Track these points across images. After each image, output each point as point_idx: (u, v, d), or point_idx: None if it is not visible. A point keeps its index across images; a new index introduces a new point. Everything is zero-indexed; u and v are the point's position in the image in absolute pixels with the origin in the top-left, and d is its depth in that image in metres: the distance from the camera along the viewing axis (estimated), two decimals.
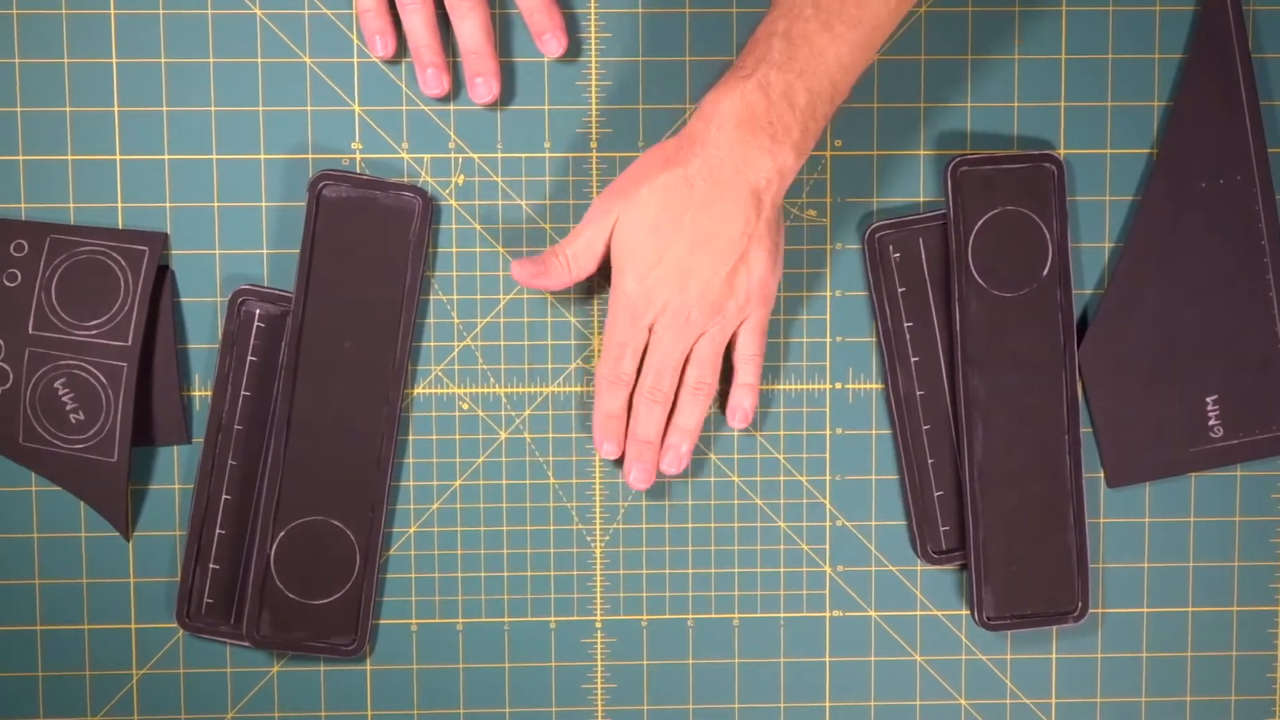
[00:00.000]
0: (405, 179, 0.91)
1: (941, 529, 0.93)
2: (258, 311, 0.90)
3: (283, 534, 0.90)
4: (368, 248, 0.90)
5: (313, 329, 0.90)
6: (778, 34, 0.82)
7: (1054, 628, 0.93)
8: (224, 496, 0.91)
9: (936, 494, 0.92)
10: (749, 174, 0.83)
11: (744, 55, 0.84)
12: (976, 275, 0.89)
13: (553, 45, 0.90)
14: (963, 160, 0.90)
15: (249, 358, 0.91)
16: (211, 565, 0.91)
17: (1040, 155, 0.90)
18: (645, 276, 0.85)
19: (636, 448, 0.89)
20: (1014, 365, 0.90)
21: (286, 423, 0.90)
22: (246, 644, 0.91)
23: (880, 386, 0.94)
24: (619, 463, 0.91)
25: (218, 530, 0.91)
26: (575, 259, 0.87)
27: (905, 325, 0.92)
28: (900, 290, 0.92)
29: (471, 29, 0.88)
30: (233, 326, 0.90)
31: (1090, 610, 0.92)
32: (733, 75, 0.83)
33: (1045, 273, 0.90)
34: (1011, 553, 0.91)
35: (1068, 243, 0.91)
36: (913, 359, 0.92)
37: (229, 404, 0.91)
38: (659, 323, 0.86)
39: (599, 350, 0.93)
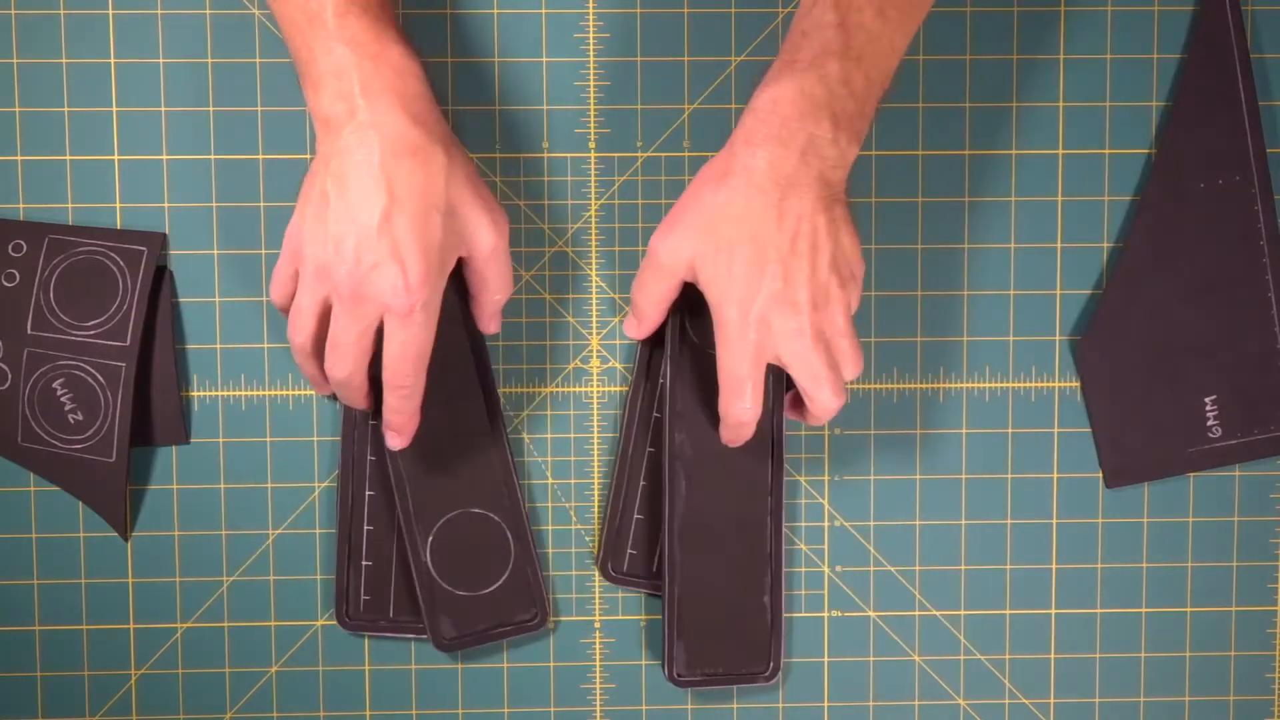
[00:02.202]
0: None
1: (629, 551, 0.92)
2: None
3: (431, 538, 0.89)
4: None
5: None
6: (830, 24, 0.80)
7: (750, 685, 0.92)
8: (368, 493, 0.91)
9: (636, 517, 0.92)
10: (817, 164, 0.80)
11: (793, 48, 0.81)
12: (690, 331, 0.87)
13: (494, 326, 0.88)
14: None
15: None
16: (364, 562, 0.91)
17: None
18: (749, 305, 0.81)
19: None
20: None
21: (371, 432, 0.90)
22: (409, 636, 0.92)
23: (881, 387, 0.94)
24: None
25: (365, 526, 0.91)
26: (659, 304, 0.85)
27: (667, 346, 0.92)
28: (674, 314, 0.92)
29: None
30: None
31: (783, 664, 0.92)
32: (786, 68, 0.81)
33: None
34: (705, 612, 0.90)
35: None
36: (660, 381, 0.91)
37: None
38: (783, 346, 0.82)
39: (597, 349, 0.93)
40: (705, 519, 0.89)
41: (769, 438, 0.89)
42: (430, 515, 0.89)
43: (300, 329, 0.83)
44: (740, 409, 0.83)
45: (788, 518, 0.93)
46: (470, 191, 0.82)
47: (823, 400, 0.83)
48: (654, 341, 0.92)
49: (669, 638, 0.90)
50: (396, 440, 0.86)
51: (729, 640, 0.90)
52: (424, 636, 0.92)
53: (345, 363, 0.82)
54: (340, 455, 0.91)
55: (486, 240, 0.83)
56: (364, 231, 0.79)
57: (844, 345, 0.82)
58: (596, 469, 0.93)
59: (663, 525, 0.89)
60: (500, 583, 0.91)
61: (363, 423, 0.91)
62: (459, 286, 0.87)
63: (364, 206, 0.79)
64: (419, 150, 0.79)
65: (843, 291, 0.82)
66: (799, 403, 0.86)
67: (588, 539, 0.94)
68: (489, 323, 0.88)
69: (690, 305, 0.86)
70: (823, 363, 0.82)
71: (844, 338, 0.82)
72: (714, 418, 0.87)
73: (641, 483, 0.92)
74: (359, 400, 0.85)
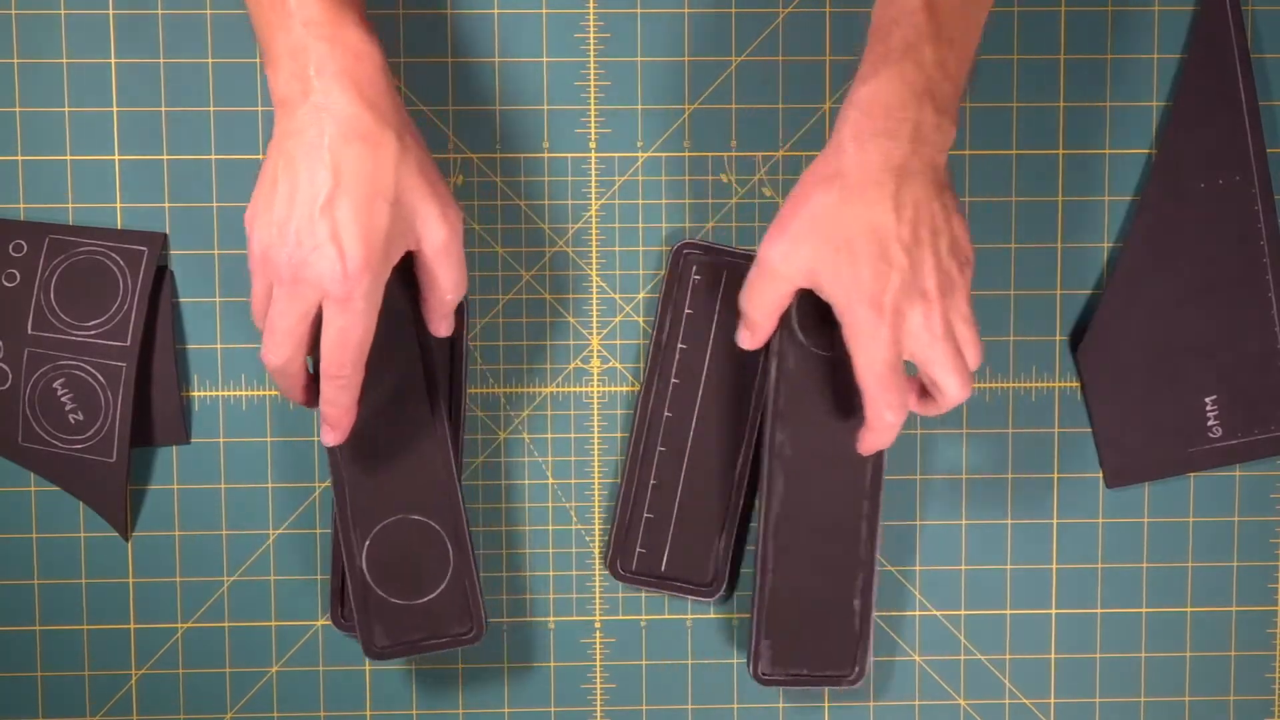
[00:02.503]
0: None
1: (639, 550, 0.92)
2: None
3: (368, 543, 0.88)
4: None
5: None
6: (917, 8, 0.79)
7: (834, 687, 0.91)
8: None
9: (646, 515, 0.92)
10: (926, 151, 0.79)
11: (883, 35, 0.80)
12: (797, 330, 0.86)
13: (446, 328, 0.85)
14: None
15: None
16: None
17: None
18: (881, 300, 0.79)
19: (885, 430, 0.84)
20: (822, 423, 0.87)
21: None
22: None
23: None
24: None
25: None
26: (772, 313, 0.84)
27: (679, 346, 0.92)
28: (687, 313, 0.92)
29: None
30: None
31: (866, 673, 0.90)
32: (881, 59, 0.80)
33: None
34: (794, 611, 0.89)
35: None
36: (673, 380, 0.92)
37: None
38: (917, 338, 0.80)
39: (597, 349, 0.93)
40: (802, 519, 0.88)
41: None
42: (368, 519, 0.87)
43: (257, 316, 0.82)
44: (891, 409, 0.81)
45: None
46: (422, 182, 0.80)
47: (952, 391, 0.81)
48: (668, 345, 0.92)
49: (756, 635, 0.89)
50: (330, 435, 0.83)
51: (816, 641, 0.89)
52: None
53: (281, 348, 0.80)
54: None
55: (436, 234, 0.80)
56: (306, 214, 0.77)
57: (967, 333, 0.81)
58: (597, 469, 0.93)
59: (759, 523, 0.88)
60: (437, 593, 0.88)
61: None
62: (412, 285, 0.84)
63: (308, 189, 0.77)
64: (369, 135, 0.78)
65: (963, 276, 0.81)
66: (924, 394, 0.84)
67: (588, 539, 0.94)
68: (439, 324, 0.85)
69: (797, 304, 0.85)
70: (951, 352, 0.80)
71: (967, 324, 0.81)
72: (818, 418, 0.86)
73: (652, 482, 0.92)
74: (296, 392, 0.83)
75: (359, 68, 0.79)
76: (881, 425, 0.83)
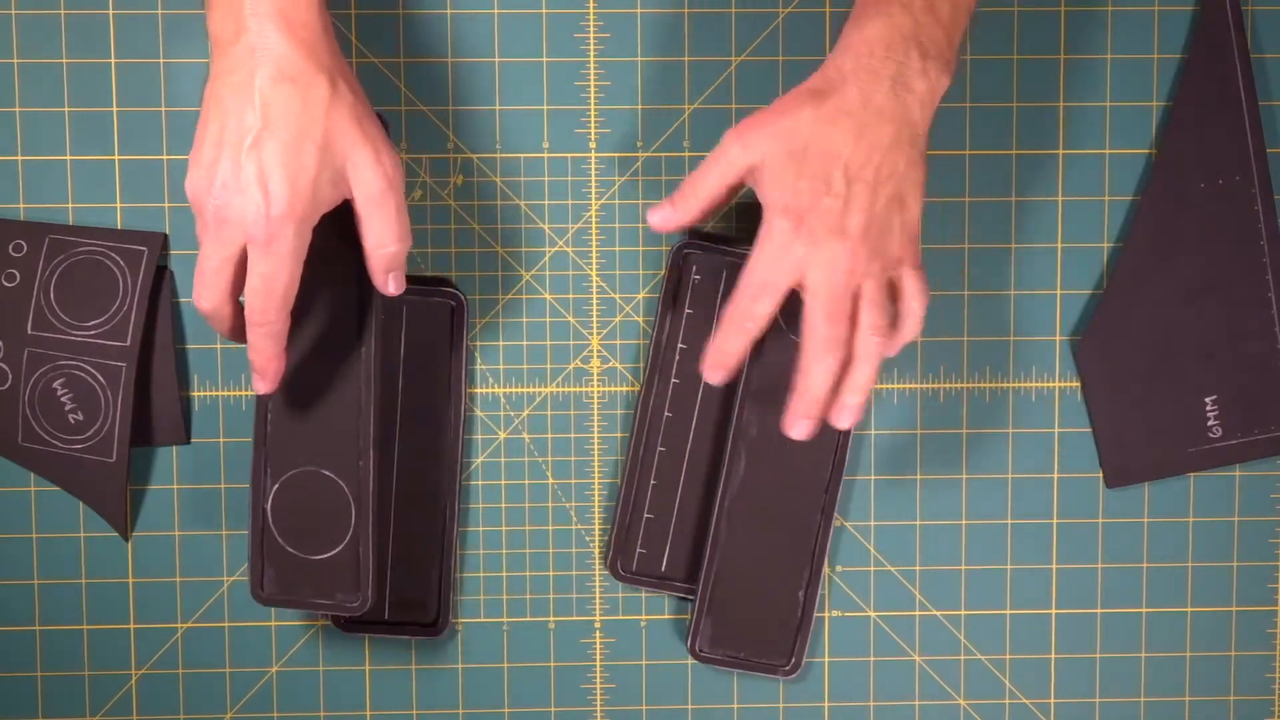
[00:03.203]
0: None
1: (639, 550, 0.92)
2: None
3: (276, 487, 0.87)
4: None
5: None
6: None
7: (768, 675, 0.92)
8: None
9: (646, 516, 0.92)
10: (905, 98, 0.79)
11: None
12: (780, 316, 0.85)
13: (394, 285, 0.83)
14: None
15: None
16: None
17: None
18: (801, 216, 0.79)
19: (806, 404, 0.82)
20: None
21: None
22: (404, 637, 0.91)
23: (879, 386, 0.94)
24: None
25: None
26: (709, 196, 0.82)
27: (679, 346, 0.92)
28: (687, 312, 0.92)
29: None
30: None
31: (804, 662, 0.92)
32: (870, 3, 0.80)
33: None
34: (739, 594, 0.90)
35: None
36: (673, 380, 0.92)
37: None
38: (815, 265, 0.80)
39: (597, 349, 0.93)
40: (758, 502, 0.89)
41: (835, 435, 0.89)
42: (281, 464, 0.86)
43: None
44: (757, 313, 0.81)
45: None
46: (354, 128, 0.78)
47: (811, 344, 0.80)
48: (668, 345, 0.92)
49: (698, 611, 0.90)
50: (260, 384, 0.82)
51: (756, 627, 0.90)
52: (419, 636, 0.92)
53: (210, 291, 0.79)
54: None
55: (369, 182, 0.79)
56: (232, 155, 0.76)
57: (876, 295, 0.80)
58: (597, 469, 0.93)
59: (717, 500, 0.89)
60: (332, 554, 0.86)
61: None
62: (355, 239, 0.82)
63: (236, 130, 0.77)
64: (299, 76, 0.77)
65: (899, 244, 0.80)
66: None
67: (588, 539, 0.94)
68: (381, 279, 0.82)
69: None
70: (835, 303, 0.79)
71: (878, 288, 0.80)
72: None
73: (652, 482, 0.92)
74: (228, 334, 0.82)
75: (293, 9, 0.77)
76: (730, 329, 0.81)
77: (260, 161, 0.76)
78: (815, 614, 0.92)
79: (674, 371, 0.92)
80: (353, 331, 0.85)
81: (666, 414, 0.92)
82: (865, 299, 0.80)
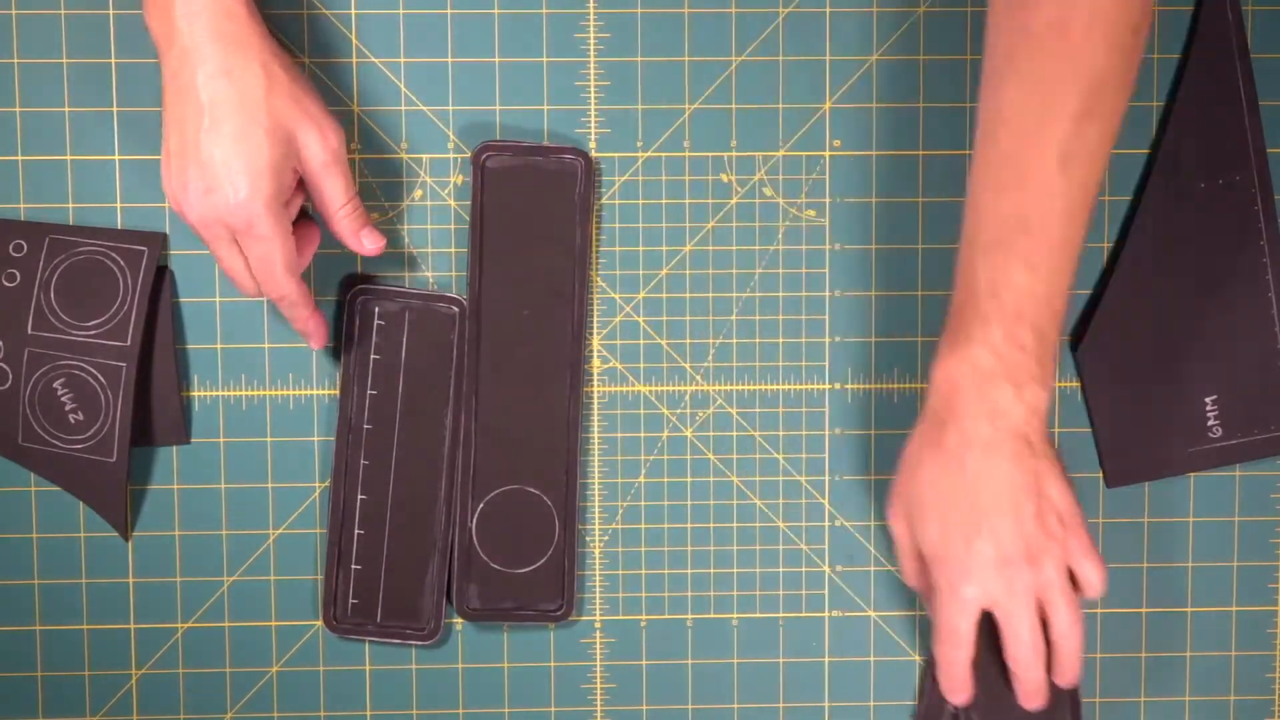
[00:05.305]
0: (564, 144, 0.91)
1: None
2: (377, 309, 0.91)
3: (482, 505, 0.91)
4: (534, 214, 0.91)
5: (490, 301, 0.91)
6: (981, 291, 0.81)
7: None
8: (359, 497, 0.91)
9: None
10: (1006, 424, 0.81)
11: (954, 319, 0.82)
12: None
13: (369, 243, 0.88)
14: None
15: (372, 356, 0.91)
16: (354, 566, 0.91)
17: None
18: (965, 571, 0.82)
19: (1033, 692, 0.85)
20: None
21: (474, 395, 0.91)
22: (395, 641, 0.92)
23: (879, 387, 0.94)
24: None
25: (356, 530, 0.91)
26: (917, 576, 0.87)
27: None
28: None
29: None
30: (354, 326, 0.91)
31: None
32: (953, 342, 0.82)
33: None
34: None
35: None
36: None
37: (356, 404, 0.91)
38: (992, 600, 0.83)
39: (597, 349, 0.93)
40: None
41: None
42: (487, 483, 0.91)
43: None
44: (959, 659, 0.84)
45: (787, 518, 0.93)
46: (294, 107, 0.83)
47: (1021, 656, 0.83)
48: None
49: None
50: (312, 342, 0.89)
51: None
52: (410, 643, 0.92)
53: (245, 284, 0.85)
54: (334, 459, 0.91)
55: (316, 153, 0.84)
56: (193, 157, 0.82)
57: (1056, 599, 0.83)
58: (596, 469, 0.93)
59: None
60: (536, 566, 0.91)
61: (356, 426, 0.91)
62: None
63: (191, 131, 0.81)
64: (233, 70, 0.81)
65: (1051, 543, 0.82)
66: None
67: (587, 539, 0.94)
68: (351, 240, 0.87)
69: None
70: (1025, 616, 0.82)
71: (1054, 591, 0.82)
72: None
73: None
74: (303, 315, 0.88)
75: (218, 5, 0.81)
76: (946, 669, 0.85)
77: (216, 157, 0.81)
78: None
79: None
80: (565, 357, 0.91)
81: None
82: (1051, 607, 0.83)
